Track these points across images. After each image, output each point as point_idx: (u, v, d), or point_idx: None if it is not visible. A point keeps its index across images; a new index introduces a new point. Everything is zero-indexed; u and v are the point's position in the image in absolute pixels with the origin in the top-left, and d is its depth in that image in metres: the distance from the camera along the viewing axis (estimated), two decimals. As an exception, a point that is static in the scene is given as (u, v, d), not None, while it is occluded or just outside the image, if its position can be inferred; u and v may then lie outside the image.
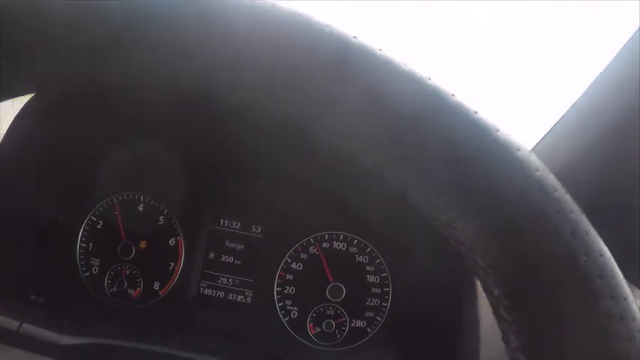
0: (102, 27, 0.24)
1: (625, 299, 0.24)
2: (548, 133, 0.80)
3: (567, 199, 0.24)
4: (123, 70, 0.27)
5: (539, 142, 0.83)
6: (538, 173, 0.24)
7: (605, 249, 0.24)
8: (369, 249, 0.77)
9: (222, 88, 0.27)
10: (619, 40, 0.66)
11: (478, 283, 0.65)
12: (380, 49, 0.25)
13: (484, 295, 0.65)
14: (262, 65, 0.24)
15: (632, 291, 0.69)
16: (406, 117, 0.24)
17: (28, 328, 0.61)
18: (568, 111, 0.78)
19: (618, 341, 0.23)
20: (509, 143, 0.24)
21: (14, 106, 0.66)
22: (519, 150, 0.24)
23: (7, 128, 0.64)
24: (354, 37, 0.24)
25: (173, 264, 0.77)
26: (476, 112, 0.24)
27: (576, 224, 0.23)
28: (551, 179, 0.24)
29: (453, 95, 0.24)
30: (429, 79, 0.25)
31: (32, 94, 0.67)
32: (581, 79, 0.74)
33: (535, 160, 0.24)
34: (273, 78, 0.25)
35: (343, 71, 0.24)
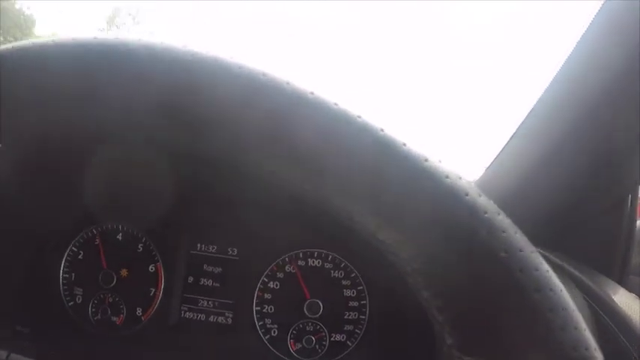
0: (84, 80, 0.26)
1: (551, 290, 0.25)
2: (511, 138, 0.82)
3: (480, 200, 0.25)
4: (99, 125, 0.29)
5: (504, 147, 0.85)
6: (447, 180, 0.26)
7: (526, 244, 0.25)
8: (343, 264, 0.79)
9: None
10: (555, 59, 0.68)
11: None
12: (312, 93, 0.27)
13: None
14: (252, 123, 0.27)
15: (612, 286, 0.70)
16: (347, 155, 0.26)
17: (16, 358, 0.63)
18: (534, 108, 0.79)
19: (550, 332, 0.24)
20: (416, 156, 0.26)
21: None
22: (427, 160, 0.26)
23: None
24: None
25: (154, 289, 0.79)
26: (382, 130, 0.26)
27: (491, 224, 0.25)
28: (461, 183, 0.26)
29: (382, 130, 0.26)
30: (359, 117, 0.27)
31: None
32: (545, 74, 0.76)
33: (444, 169, 0.26)
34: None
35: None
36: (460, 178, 0.26)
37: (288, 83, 0.27)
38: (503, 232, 0.25)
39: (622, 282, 0.78)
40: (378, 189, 0.26)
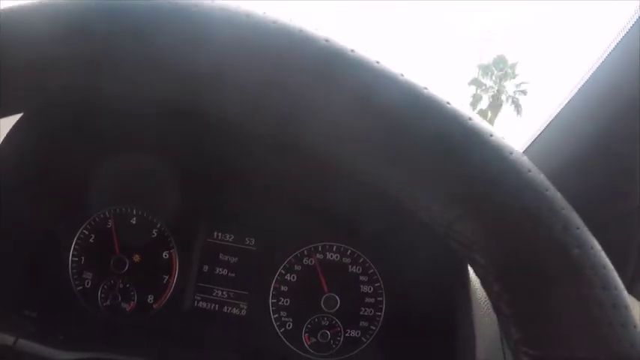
0: (86, 43, 0.25)
1: (616, 288, 0.25)
2: (538, 136, 0.82)
3: (558, 196, 0.26)
4: (109, 86, 0.27)
5: (529, 145, 0.85)
6: (530, 174, 0.25)
7: (596, 243, 0.26)
8: (362, 259, 0.78)
9: (212, 101, 0.27)
10: (610, 41, 0.68)
11: (471, 290, 0.67)
12: (374, 59, 0.26)
13: (478, 303, 0.66)
14: (253, 77, 0.25)
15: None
16: (402, 124, 0.25)
17: (24, 343, 0.61)
18: (558, 114, 0.80)
19: (612, 328, 0.25)
20: (502, 147, 0.26)
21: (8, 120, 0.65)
22: (512, 153, 0.26)
23: (2, 141, 0.64)
24: (326, 40, 0.25)
25: (167, 277, 0.76)
26: (470, 119, 0.26)
27: (567, 220, 0.25)
28: (542, 179, 0.26)
29: (449, 103, 0.26)
30: (425, 88, 0.26)
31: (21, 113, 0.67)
32: (570, 81, 0.77)
33: (527, 162, 0.26)
34: (264, 89, 0.25)
35: (333, 79, 0.25)
36: (539, 172, 0.26)
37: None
38: (578, 228, 0.25)
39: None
40: (465, 179, 0.25)
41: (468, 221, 0.26)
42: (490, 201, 0.25)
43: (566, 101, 0.78)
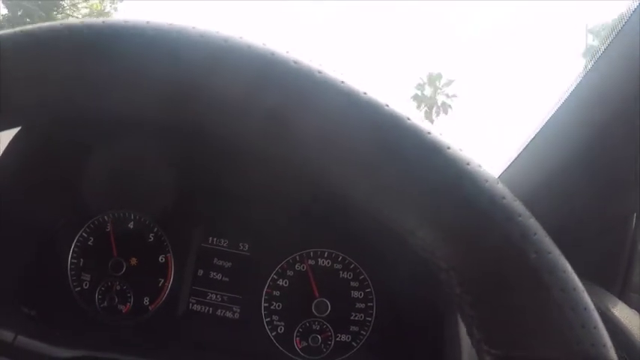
0: (56, 64, 0.27)
1: (574, 290, 0.26)
2: (522, 151, 0.85)
3: (515, 204, 0.27)
4: (85, 103, 0.29)
5: (505, 169, 0.88)
6: (487, 184, 0.27)
7: (554, 247, 0.27)
8: (352, 265, 0.80)
9: (191, 120, 0.29)
10: (598, 50, 0.70)
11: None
12: (342, 82, 0.28)
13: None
14: (229, 97, 0.27)
15: (613, 301, 0.72)
16: (371, 141, 0.27)
17: (23, 340, 0.63)
18: (537, 132, 0.82)
19: (571, 329, 0.26)
20: (458, 158, 0.27)
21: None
22: (469, 163, 0.27)
23: (6, 145, 0.66)
24: (295, 62, 0.27)
25: (163, 280, 0.79)
26: (429, 133, 0.27)
27: (525, 227, 0.26)
28: (499, 188, 0.27)
29: (408, 118, 0.27)
30: (387, 105, 0.28)
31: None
32: (557, 90, 0.78)
33: (484, 172, 0.27)
34: (240, 108, 0.27)
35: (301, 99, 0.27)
36: (497, 182, 0.28)
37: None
38: (535, 234, 0.26)
39: (623, 298, 0.80)
40: (424, 188, 0.27)
41: (428, 229, 0.27)
42: (448, 209, 0.27)
43: (556, 107, 0.80)
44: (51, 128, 0.70)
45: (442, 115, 44.96)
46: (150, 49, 0.27)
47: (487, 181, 0.27)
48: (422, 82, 45.24)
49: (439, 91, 44.68)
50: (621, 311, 0.73)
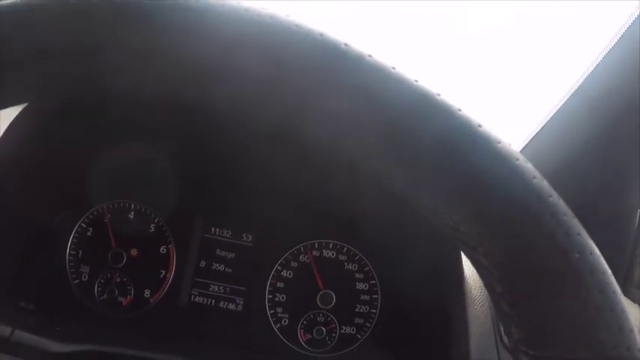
0: (90, 32, 0.25)
1: (614, 292, 0.26)
2: (536, 134, 0.83)
3: (561, 203, 0.26)
4: (110, 76, 0.28)
5: (528, 143, 0.86)
6: (535, 181, 0.26)
7: (595, 248, 0.26)
8: (357, 257, 0.79)
9: (212, 95, 0.28)
10: (608, 41, 0.69)
11: (466, 288, 0.67)
12: (371, 56, 0.26)
13: (472, 301, 0.66)
14: (256, 72, 0.26)
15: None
16: (411, 126, 0.26)
17: (21, 334, 0.61)
18: (555, 113, 0.80)
19: (609, 331, 0.25)
20: (509, 153, 0.26)
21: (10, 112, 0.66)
22: (518, 159, 0.26)
23: (2, 132, 0.64)
24: (345, 44, 0.26)
25: (164, 272, 0.77)
26: (479, 125, 0.26)
27: (569, 226, 0.26)
28: (546, 186, 0.26)
29: (460, 110, 0.26)
30: (438, 94, 0.26)
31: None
32: (568, 80, 0.77)
33: (532, 169, 0.26)
34: (266, 84, 0.26)
35: (340, 80, 0.26)
36: (543, 179, 0.27)
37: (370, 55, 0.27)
38: (578, 234, 0.26)
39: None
40: (473, 184, 0.26)
41: (474, 224, 0.27)
42: (496, 205, 0.26)
43: (563, 102, 0.78)
44: (51, 117, 0.68)
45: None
46: (175, 21, 0.25)
47: (535, 177, 0.26)
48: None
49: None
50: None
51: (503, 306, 0.28)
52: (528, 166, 0.26)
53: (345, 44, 0.26)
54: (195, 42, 0.25)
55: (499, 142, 0.26)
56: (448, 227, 0.28)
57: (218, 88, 0.27)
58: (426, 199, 0.28)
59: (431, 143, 0.26)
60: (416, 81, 0.26)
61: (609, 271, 0.26)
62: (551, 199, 0.26)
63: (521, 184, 0.26)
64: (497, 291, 0.28)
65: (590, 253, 0.26)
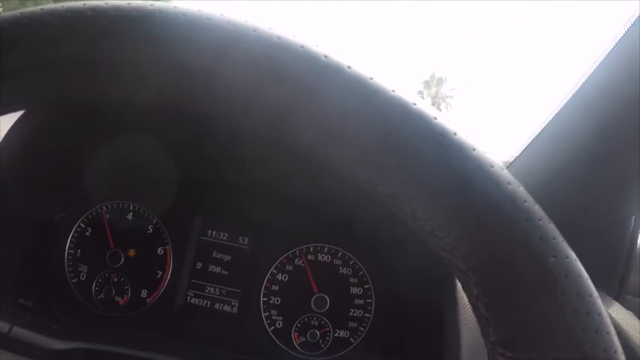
0: (83, 43, 0.26)
1: (590, 295, 0.26)
2: (532, 141, 0.84)
3: (536, 208, 0.27)
4: (103, 85, 0.29)
5: (523, 150, 0.87)
6: (509, 186, 0.27)
7: (571, 252, 0.27)
8: (352, 261, 0.80)
9: (203, 101, 0.29)
10: (604, 48, 0.70)
11: (458, 294, 0.68)
12: (349, 67, 0.27)
13: (464, 307, 0.67)
14: (243, 81, 0.27)
15: (609, 303, 0.72)
16: (392, 133, 0.27)
17: (19, 331, 0.62)
18: (550, 121, 0.81)
19: (586, 334, 0.26)
20: (483, 160, 0.27)
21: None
22: (492, 166, 0.27)
23: (4, 134, 0.65)
24: (325, 56, 0.27)
25: (161, 272, 0.78)
26: (455, 133, 0.27)
27: (544, 231, 0.27)
28: (521, 191, 0.27)
29: (435, 118, 0.27)
30: (414, 103, 0.27)
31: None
32: (565, 84, 0.78)
33: (507, 175, 0.27)
34: (253, 92, 0.27)
35: (321, 89, 0.27)
36: (519, 185, 0.28)
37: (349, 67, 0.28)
38: (554, 239, 0.26)
39: (619, 300, 0.80)
40: (449, 189, 0.27)
41: (450, 229, 0.27)
42: (472, 210, 0.27)
43: (559, 108, 0.79)
44: (50, 117, 0.69)
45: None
46: (181, 33, 0.26)
47: (510, 183, 0.27)
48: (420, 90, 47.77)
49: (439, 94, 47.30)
50: (618, 313, 0.73)
51: (480, 309, 0.29)
52: (503, 173, 0.27)
53: (325, 56, 0.27)
54: (184, 54, 0.26)
55: (474, 150, 0.27)
56: (425, 232, 0.29)
57: (207, 95, 0.28)
58: (404, 204, 0.29)
59: (407, 151, 0.27)
60: (393, 91, 0.27)
61: (586, 275, 0.27)
62: (525, 204, 0.27)
63: (496, 190, 0.26)
64: (474, 294, 0.29)
65: (566, 257, 0.26)
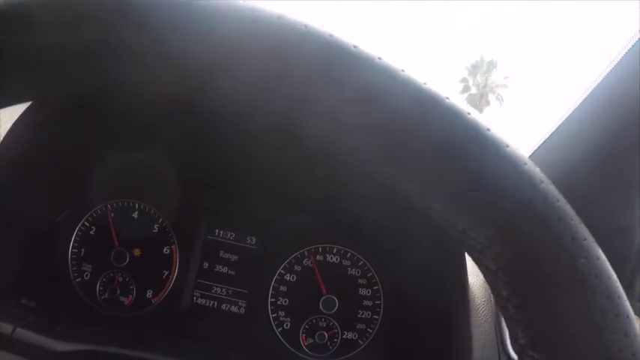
0: (92, 33, 0.25)
1: (619, 298, 0.26)
2: (542, 143, 0.83)
3: (568, 208, 0.26)
4: (114, 77, 0.28)
5: (534, 152, 0.86)
6: (542, 185, 0.26)
7: (602, 254, 0.26)
8: (361, 262, 0.79)
9: (215, 93, 0.28)
10: (615, 50, 0.69)
11: (470, 296, 0.67)
12: (380, 58, 0.26)
13: (476, 309, 0.66)
14: (259, 72, 0.25)
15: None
16: (424, 136, 0.26)
17: (22, 332, 0.61)
18: (564, 121, 0.80)
19: (614, 336, 0.26)
20: (517, 158, 0.26)
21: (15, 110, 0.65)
22: (526, 164, 0.26)
23: (7, 131, 0.64)
24: (355, 46, 0.26)
25: (167, 272, 0.76)
26: (488, 129, 0.26)
27: (576, 231, 0.26)
28: (553, 190, 0.27)
29: (469, 113, 0.26)
30: (447, 97, 0.26)
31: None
32: (576, 88, 0.77)
33: (539, 174, 0.27)
34: (269, 83, 0.26)
35: (337, 75, 0.26)
36: (551, 184, 0.27)
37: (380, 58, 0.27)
38: (585, 239, 0.26)
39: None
40: (480, 188, 0.26)
41: (482, 228, 0.27)
42: (503, 210, 0.26)
43: (572, 110, 0.78)
44: (53, 116, 0.68)
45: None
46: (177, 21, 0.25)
47: (542, 182, 0.26)
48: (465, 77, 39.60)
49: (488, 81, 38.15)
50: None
51: (510, 309, 0.28)
52: (536, 171, 0.26)
53: (355, 46, 0.26)
54: (201, 42, 0.25)
55: (507, 146, 0.26)
56: (456, 231, 0.29)
57: (220, 87, 0.27)
58: (435, 203, 0.28)
59: (439, 146, 0.26)
60: (425, 84, 0.26)
61: (615, 277, 0.27)
62: (558, 203, 0.26)
63: (529, 189, 0.26)
64: (504, 295, 0.28)
65: (597, 259, 0.26)
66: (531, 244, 0.26)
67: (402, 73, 0.26)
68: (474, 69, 39.29)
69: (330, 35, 0.26)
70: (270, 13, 0.25)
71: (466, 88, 38.09)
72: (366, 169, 0.28)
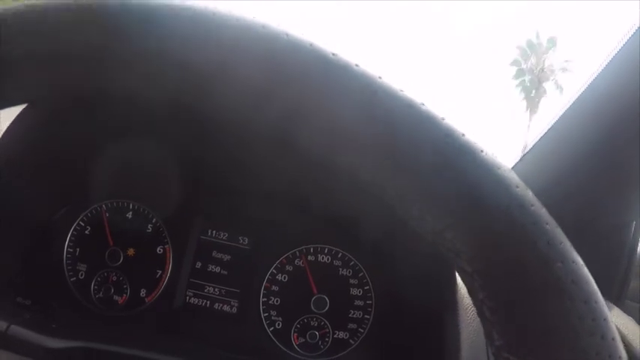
0: (91, 38, 0.26)
1: (596, 302, 0.26)
2: (534, 145, 0.84)
3: (543, 212, 0.27)
4: (111, 83, 0.28)
5: (519, 160, 0.87)
6: (517, 189, 0.26)
7: (578, 258, 0.27)
8: (352, 262, 0.79)
9: (212, 101, 0.29)
10: (597, 63, 0.69)
11: (460, 297, 0.68)
12: (357, 65, 0.27)
13: (465, 309, 0.67)
14: (255, 81, 0.26)
15: (610, 308, 0.72)
16: (400, 137, 0.27)
17: (17, 330, 0.61)
18: (554, 124, 0.81)
19: (592, 339, 0.26)
20: (492, 163, 0.27)
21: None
22: (500, 169, 0.27)
23: (4, 130, 0.65)
24: (333, 54, 0.26)
25: (160, 272, 0.77)
26: (463, 135, 0.27)
27: (551, 235, 0.26)
28: (529, 195, 0.27)
29: (443, 119, 0.27)
30: (422, 104, 0.27)
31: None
32: (560, 99, 0.78)
33: (515, 178, 0.27)
34: (265, 93, 0.26)
35: (335, 91, 0.26)
36: (527, 189, 0.27)
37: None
38: (561, 243, 0.26)
39: (619, 305, 0.80)
40: (457, 192, 0.27)
41: (457, 231, 0.27)
42: (479, 213, 0.26)
43: (561, 113, 0.79)
44: (51, 115, 0.69)
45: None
46: (177, 27, 0.26)
47: (518, 187, 0.27)
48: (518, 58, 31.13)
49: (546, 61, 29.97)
50: (618, 318, 0.73)
51: (485, 312, 0.28)
52: (511, 175, 0.27)
53: (333, 54, 0.26)
54: (190, 51, 0.26)
55: (482, 151, 0.27)
56: (431, 234, 0.29)
57: (213, 97, 0.28)
58: (411, 207, 0.28)
59: (415, 153, 0.26)
60: (401, 91, 0.27)
61: (592, 280, 0.27)
62: (533, 207, 0.26)
63: (504, 193, 0.26)
64: (479, 297, 0.28)
65: (573, 262, 0.26)
66: (506, 248, 0.26)
67: (380, 80, 0.27)
68: (530, 48, 31.38)
69: (311, 44, 0.26)
70: (255, 23, 0.26)
71: (520, 73, 30.95)
72: (349, 176, 0.29)
